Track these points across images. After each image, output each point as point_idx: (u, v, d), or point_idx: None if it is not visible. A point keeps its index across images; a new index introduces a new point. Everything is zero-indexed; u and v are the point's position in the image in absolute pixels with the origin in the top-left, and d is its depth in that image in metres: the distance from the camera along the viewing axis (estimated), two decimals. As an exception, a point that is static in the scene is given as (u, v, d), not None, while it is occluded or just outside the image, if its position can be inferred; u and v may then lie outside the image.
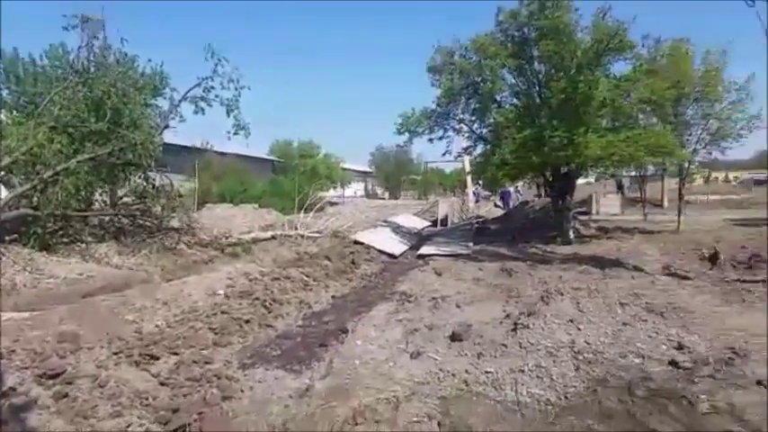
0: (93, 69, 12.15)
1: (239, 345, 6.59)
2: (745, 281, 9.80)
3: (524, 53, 15.82)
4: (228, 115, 13.29)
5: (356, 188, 68.95)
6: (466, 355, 5.79)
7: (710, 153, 18.51)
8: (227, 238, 13.81)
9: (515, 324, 6.23)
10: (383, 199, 60.88)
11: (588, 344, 5.62)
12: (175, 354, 5.96)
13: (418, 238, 19.97)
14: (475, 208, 34.73)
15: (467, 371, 5.32)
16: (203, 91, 13.11)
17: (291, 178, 38.03)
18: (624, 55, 15.01)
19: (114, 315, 6.74)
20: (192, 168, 31.13)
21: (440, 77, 16.96)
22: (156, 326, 6.87)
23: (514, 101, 17.10)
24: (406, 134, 17.74)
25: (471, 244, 17.17)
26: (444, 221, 26.96)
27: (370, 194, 70.27)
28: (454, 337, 6.21)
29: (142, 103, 12.65)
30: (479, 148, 18.27)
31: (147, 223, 12.95)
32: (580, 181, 47.74)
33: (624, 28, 14.11)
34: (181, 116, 13.94)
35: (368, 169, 72.36)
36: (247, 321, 7.19)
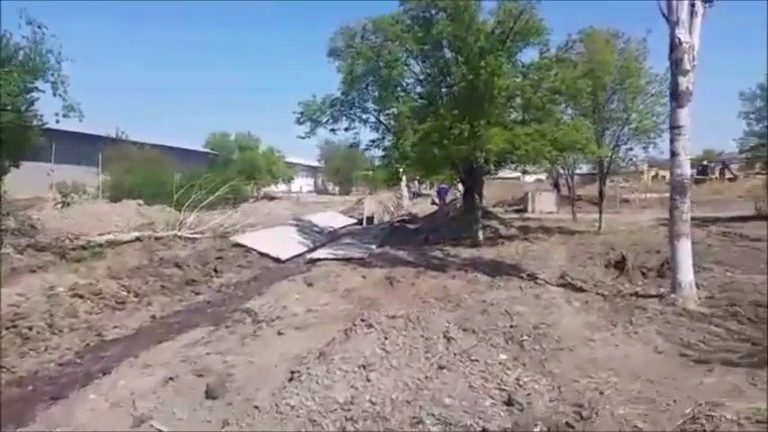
0: None
1: None
2: (642, 295, 8.47)
3: (431, 37, 14.21)
4: (54, 94, 11.14)
5: (303, 183, 67.02)
6: (209, 422, 4.16)
7: (631, 149, 17.40)
8: (73, 240, 11.81)
9: (291, 374, 4.61)
10: (334, 194, 59.17)
11: (373, 403, 4.04)
12: None
13: (328, 239, 18.30)
14: (410, 205, 33.31)
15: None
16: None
17: (220, 171, 35.89)
18: (531, 40, 13.64)
19: None
20: (108, 160, 28.75)
21: (343, 62, 15.35)
22: None
23: (419, 89, 15.57)
24: (308, 123, 16.04)
25: (374, 246, 15.60)
26: (371, 220, 25.36)
27: (320, 190, 68.44)
28: (209, 393, 4.58)
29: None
30: (388, 141, 16.62)
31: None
32: (529, 178, 47.10)
33: (531, 7, 12.67)
34: None
35: (318, 164, 70.11)
36: (-30, 361, 5.37)
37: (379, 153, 16.96)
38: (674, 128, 7.79)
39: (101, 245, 12.15)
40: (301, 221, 20.31)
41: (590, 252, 12.90)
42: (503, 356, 5.38)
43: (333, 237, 18.95)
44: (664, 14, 7.81)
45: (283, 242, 15.01)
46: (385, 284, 10.23)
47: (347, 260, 13.09)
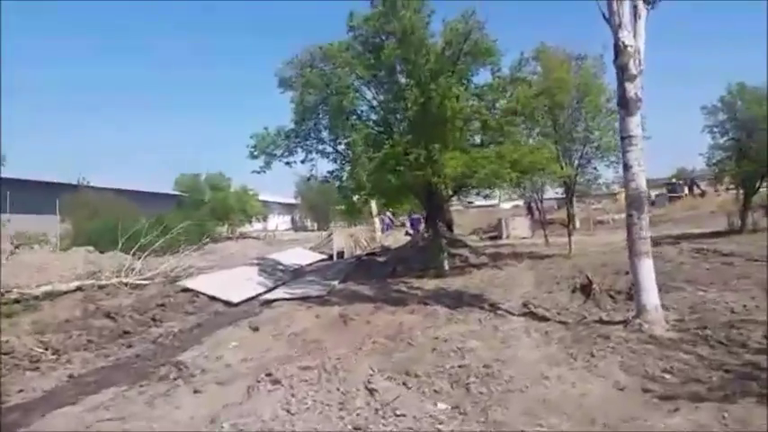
0: None
1: None
2: (606, 321, 7.82)
3: (381, 63, 13.75)
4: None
5: (280, 221, 66.09)
6: None
7: (596, 169, 16.99)
8: (4, 293, 10.90)
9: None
10: (312, 231, 58.30)
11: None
12: None
13: (291, 277, 17.47)
14: (383, 237, 32.59)
15: None
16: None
17: (189, 213, 34.98)
18: (483, 60, 13.25)
19: None
20: (68, 207, 27.74)
21: (295, 92, 14.77)
22: None
23: (374, 117, 15.06)
24: (262, 157, 15.32)
25: (336, 282, 14.86)
26: (341, 254, 24.61)
27: (297, 227, 67.55)
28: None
29: None
30: (346, 171, 15.95)
31: None
32: (507, 205, 46.76)
33: (479, 27, 12.31)
34: None
35: (294, 201, 69.21)
36: None
37: (338, 185, 16.23)
38: (625, 138, 7.29)
39: (36, 297, 11.28)
40: (264, 260, 19.48)
41: (557, 277, 12.30)
42: (441, 405, 4.68)
43: (297, 275, 18.12)
44: (605, 17, 7.40)
45: (238, 284, 14.15)
46: (338, 324, 9.52)
47: (304, 299, 12.34)
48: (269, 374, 4.81)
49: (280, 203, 68.60)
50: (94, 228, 24.32)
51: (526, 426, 4.32)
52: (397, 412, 4.20)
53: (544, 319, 8.51)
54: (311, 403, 4.25)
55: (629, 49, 7.20)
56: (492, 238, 29.99)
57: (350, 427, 3.93)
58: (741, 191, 20.69)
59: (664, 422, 4.24)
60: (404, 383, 5.47)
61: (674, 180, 48.54)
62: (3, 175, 25.79)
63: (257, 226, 53.95)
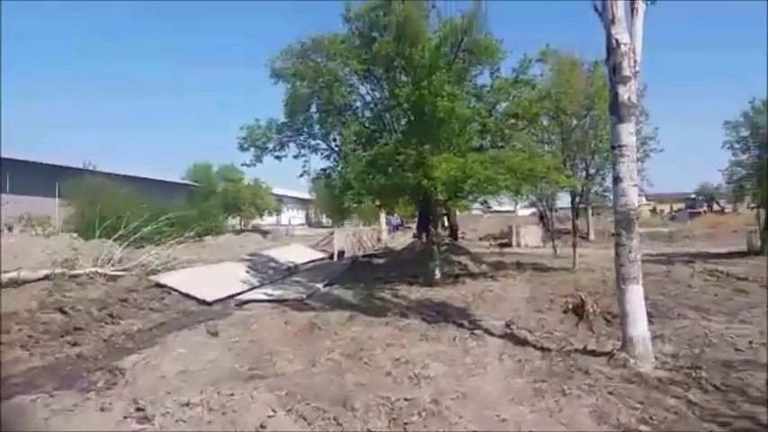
0: None
1: None
2: (589, 351, 6.93)
3: (379, 57, 12.93)
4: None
5: (293, 216, 65.94)
6: None
7: (604, 179, 15.97)
8: (-36, 281, 10.34)
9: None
10: (327, 226, 57.81)
11: None
12: None
13: (281, 276, 16.76)
14: (389, 239, 31.86)
15: None
16: None
17: (198, 204, 34.74)
18: (483, 60, 12.42)
19: None
20: (70, 192, 27.32)
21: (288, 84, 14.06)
22: None
23: (368, 114, 14.26)
24: (252, 150, 14.61)
25: (321, 285, 14.13)
26: (342, 254, 23.92)
27: (312, 222, 67.30)
28: None
29: None
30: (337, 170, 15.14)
31: None
32: (524, 212, 45.55)
33: (478, 23, 11.49)
34: None
35: (309, 196, 68.72)
36: None
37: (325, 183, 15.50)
38: (616, 147, 6.40)
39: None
40: (258, 257, 18.84)
41: (553, 293, 11.43)
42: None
43: (288, 273, 17.41)
44: (597, 11, 6.57)
45: (219, 281, 13.43)
46: (304, 333, 8.80)
47: (280, 302, 11.62)
48: (140, 409, 4.05)
49: (294, 198, 68.34)
50: (93, 214, 23.87)
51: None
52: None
53: (524, 342, 7.65)
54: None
55: (623, 47, 6.34)
56: (501, 246, 29.07)
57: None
58: (763, 210, 19.48)
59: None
60: (334, 419, 4.73)
61: (693, 195, 47.14)
62: (4, 156, 25.57)
63: (269, 220, 53.72)
